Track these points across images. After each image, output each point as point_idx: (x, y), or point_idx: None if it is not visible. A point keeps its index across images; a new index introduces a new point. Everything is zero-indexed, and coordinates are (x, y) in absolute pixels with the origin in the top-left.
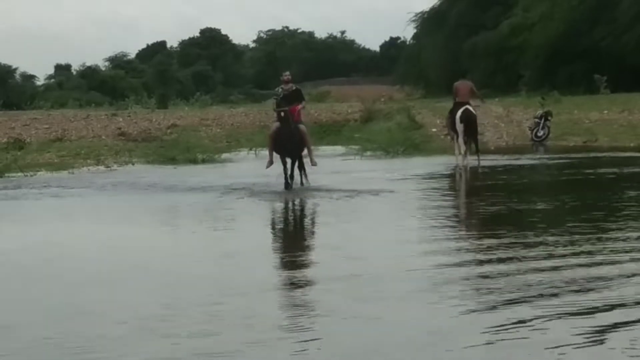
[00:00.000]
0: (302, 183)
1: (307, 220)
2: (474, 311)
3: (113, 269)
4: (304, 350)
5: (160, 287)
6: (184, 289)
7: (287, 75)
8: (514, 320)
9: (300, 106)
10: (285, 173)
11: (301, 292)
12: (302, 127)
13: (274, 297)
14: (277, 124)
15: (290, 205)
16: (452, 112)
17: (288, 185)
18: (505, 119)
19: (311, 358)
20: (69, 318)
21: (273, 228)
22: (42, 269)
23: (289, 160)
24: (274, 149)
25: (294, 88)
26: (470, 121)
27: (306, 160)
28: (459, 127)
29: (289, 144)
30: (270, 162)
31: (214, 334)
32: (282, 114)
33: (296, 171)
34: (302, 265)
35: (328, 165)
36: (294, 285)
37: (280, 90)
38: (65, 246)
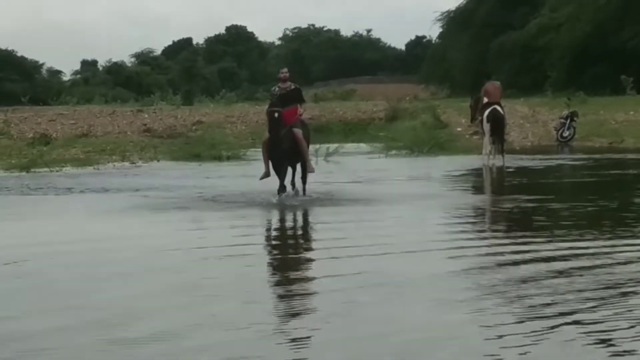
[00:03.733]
0: (303, 192)
1: (324, 220)
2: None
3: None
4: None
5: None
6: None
7: (284, 72)
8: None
9: (301, 110)
10: (281, 183)
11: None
12: (296, 130)
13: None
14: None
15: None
16: (481, 112)
17: (283, 189)
18: (530, 119)
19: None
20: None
21: (285, 224)
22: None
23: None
24: (269, 158)
25: (292, 87)
26: (497, 121)
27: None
28: (486, 126)
29: (277, 151)
30: (267, 174)
31: None
32: (276, 114)
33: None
34: (319, 267)
35: (352, 163)
36: (313, 287)
37: (276, 89)
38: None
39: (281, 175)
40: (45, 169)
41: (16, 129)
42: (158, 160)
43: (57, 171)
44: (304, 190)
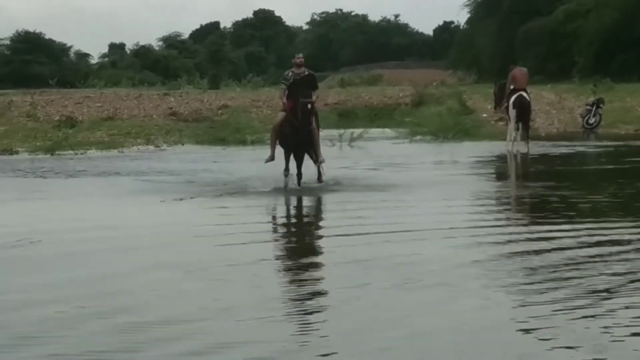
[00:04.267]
0: (319, 180)
1: (345, 205)
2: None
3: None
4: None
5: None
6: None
7: (299, 57)
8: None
9: (314, 97)
10: (288, 167)
11: (340, 275)
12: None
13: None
14: (282, 114)
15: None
16: (507, 98)
17: (287, 174)
18: (557, 106)
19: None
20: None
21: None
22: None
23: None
24: (280, 143)
25: (306, 73)
26: (523, 107)
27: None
28: (512, 112)
29: (302, 140)
30: (272, 158)
31: None
32: (309, 105)
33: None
34: (336, 249)
35: (376, 148)
36: (333, 266)
37: (290, 74)
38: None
39: (289, 161)
40: (70, 152)
41: (42, 111)
42: (182, 144)
43: (81, 154)
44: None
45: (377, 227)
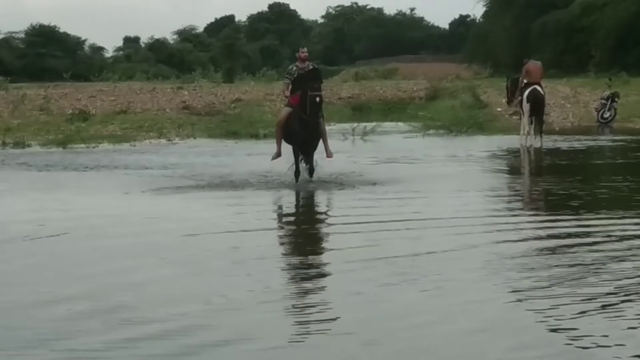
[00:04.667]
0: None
1: (359, 199)
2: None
3: None
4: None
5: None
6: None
7: (304, 51)
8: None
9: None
10: (297, 163)
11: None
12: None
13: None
14: (287, 109)
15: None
16: (521, 92)
17: (299, 174)
18: (572, 100)
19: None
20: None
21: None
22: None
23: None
24: (283, 139)
25: (310, 67)
26: (537, 101)
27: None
28: (525, 106)
29: (309, 134)
30: (278, 154)
31: None
32: (318, 98)
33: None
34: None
35: (388, 142)
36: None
37: (294, 68)
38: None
39: (297, 162)
40: (82, 145)
41: (56, 104)
42: (195, 138)
43: (93, 147)
44: (312, 173)
45: (386, 217)
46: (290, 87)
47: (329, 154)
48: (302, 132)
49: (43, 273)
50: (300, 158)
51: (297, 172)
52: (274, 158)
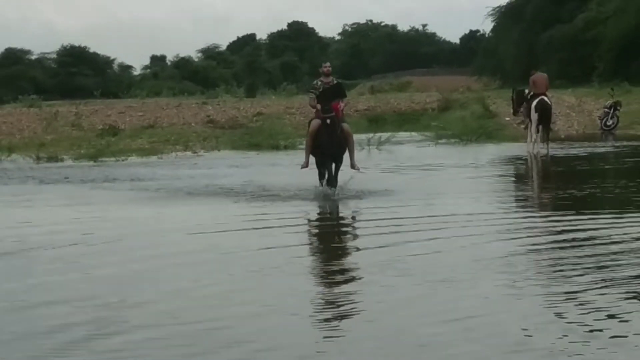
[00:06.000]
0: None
1: (373, 205)
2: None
3: None
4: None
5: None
6: None
7: (327, 66)
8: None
9: (342, 104)
10: (321, 176)
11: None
12: (345, 126)
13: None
14: (316, 121)
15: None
16: (529, 102)
17: (323, 177)
18: (577, 109)
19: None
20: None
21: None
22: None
23: (330, 165)
24: (312, 151)
25: (334, 82)
26: (545, 111)
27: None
28: (534, 116)
29: (331, 148)
30: (306, 164)
31: None
32: (328, 120)
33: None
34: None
35: (403, 151)
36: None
37: (319, 83)
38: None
39: (324, 169)
40: (112, 159)
41: (87, 121)
42: (219, 150)
43: (122, 160)
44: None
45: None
46: (316, 101)
47: (354, 166)
48: (329, 148)
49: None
50: (327, 170)
51: (321, 176)
52: (302, 167)
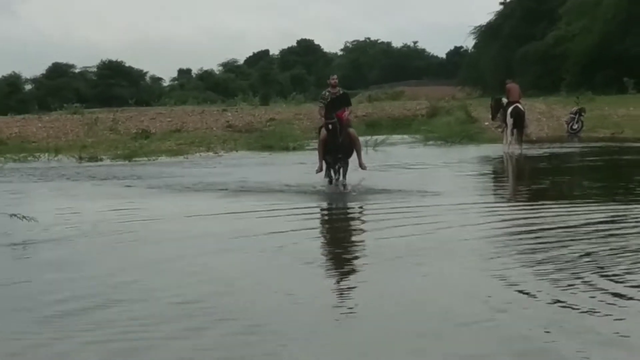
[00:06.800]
0: (344, 187)
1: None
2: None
3: None
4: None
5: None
6: None
7: (334, 78)
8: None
9: (347, 112)
10: (330, 176)
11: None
12: (351, 130)
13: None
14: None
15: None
16: (505, 109)
17: (332, 181)
18: (547, 115)
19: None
20: None
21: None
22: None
23: (338, 167)
24: (323, 156)
25: (340, 92)
26: (519, 116)
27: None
28: (509, 121)
29: (337, 152)
30: (320, 169)
31: None
32: (330, 126)
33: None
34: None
35: (396, 151)
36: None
37: (327, 94)
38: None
39: (330, 173)
40: (144, 158)
41: (122, 126)
42: (236, 151)
43: (153, 160)
44: (344, 185)
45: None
46: (324, 110)
47: (361, 166)
48: (335, 151)
49: None
50: (335, 170)
51: (330, 179)
52: (317, 171)
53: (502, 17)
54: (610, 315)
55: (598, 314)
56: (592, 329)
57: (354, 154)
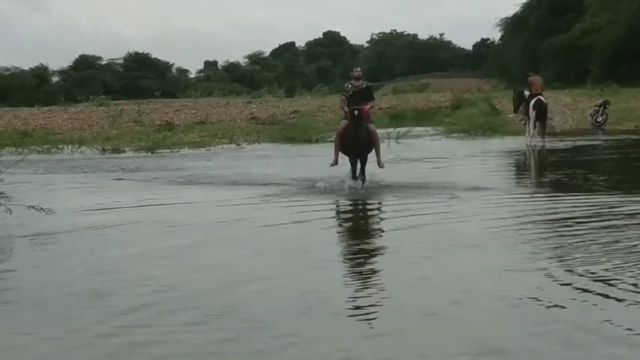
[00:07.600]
0: (363, 181)
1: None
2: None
3: None
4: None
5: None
6: None
7: (357, 70)
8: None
9: (368, 106)
10: (353, 171)
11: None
12: (371, 126)
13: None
14: (345, 122)
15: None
16: (527, 102)
17: (356, 178)
18: (571, 107)
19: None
20: None
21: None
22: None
23: (356, 161)
24: (340, 149)
25: (364, 85)
26: (541, 109)
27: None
28: (532, 113)
29: (357, 143)
30: (335, 162)
31: None
32: (356, 112)
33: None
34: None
35: (418, 144)
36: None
37: (350, 86)
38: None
39: (355, 165)
40: (167, 150)
41: (147, 117)
42: (259, 143)
43: (175, 152)
44: (363, 179)
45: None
46: (346, 102)
47: (380, 164)
48: (355, 143)
49: None
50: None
51: (353, 175)
52: (332, 165)
53: (528, 9)
54: None
55: None
56: None
57: (372, 152)
